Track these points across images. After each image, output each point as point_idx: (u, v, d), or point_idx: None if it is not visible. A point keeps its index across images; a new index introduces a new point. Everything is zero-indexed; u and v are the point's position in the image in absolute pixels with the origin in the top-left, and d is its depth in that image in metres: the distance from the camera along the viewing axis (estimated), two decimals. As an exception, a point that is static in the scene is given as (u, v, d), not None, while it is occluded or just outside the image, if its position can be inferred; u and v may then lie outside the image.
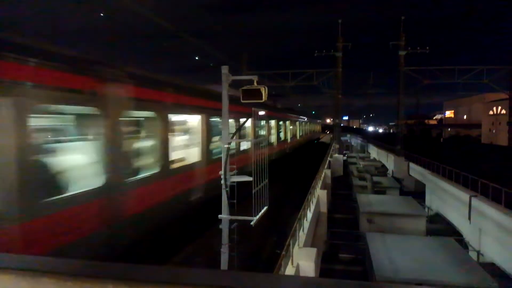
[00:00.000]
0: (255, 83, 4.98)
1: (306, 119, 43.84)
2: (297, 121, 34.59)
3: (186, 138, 10.47)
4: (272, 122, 22.46)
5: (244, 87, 4.98)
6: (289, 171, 24.26)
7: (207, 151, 10.68)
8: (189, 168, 9.81)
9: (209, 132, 10.91)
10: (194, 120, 10.51)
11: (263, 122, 19.57)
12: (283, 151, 25.40)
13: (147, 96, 8.02)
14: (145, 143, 8.42)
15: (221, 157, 4.98)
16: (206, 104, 10.52)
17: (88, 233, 6.06)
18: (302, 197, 13.58)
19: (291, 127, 29.94)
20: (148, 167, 8.18)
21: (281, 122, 25.41)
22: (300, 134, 36.82)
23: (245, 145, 14.30)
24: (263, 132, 19.46)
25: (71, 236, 5.70)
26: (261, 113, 16.67)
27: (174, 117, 9.34)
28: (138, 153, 8.14)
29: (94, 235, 6.15)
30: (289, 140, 28.22)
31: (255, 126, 16.84)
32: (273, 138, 22.46)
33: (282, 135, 25.65)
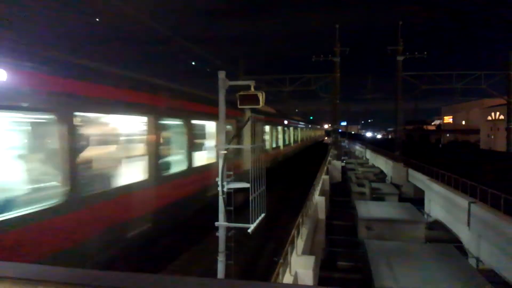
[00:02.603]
0: (252, 89, 4.90)
1: (318, 126, 77.83)
2: (314, 128, 63.33)
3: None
4: (298, 129, 36.49)
5: (241, 93, 4.89)
6: (302, 164, 31.53)
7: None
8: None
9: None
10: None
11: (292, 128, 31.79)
12: (302, 146, 39.80)
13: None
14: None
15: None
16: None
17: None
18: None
19: (311, 132, 56.53)
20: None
21: (307, 129, 48.68)
22: (314, 136, 65.03)
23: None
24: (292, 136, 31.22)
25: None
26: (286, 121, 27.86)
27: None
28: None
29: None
30: (306, 139, 46.65)
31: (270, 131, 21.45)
32: (298, 139, 36.16)
33: (304, 137, 43.62)
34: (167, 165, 8.52)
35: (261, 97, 4.86)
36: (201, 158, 10.21)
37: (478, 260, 15.91)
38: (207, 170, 10.01)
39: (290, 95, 38.23)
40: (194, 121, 9.83)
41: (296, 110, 76.53)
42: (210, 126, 11.00)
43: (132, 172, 7.21)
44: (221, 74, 4.88)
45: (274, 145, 22.24)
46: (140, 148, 7.57)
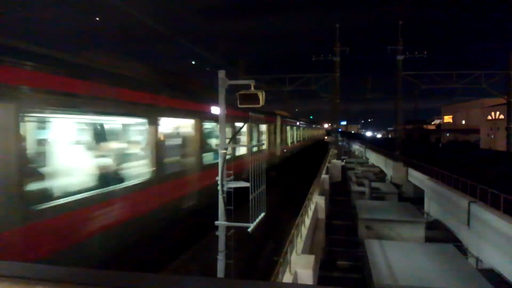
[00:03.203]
0: (252, 88, 4.90)
1: (320, 126, 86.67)
2: (316, 128, 69.75)
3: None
4: (306, 129, 43.07)
5: (241, 92, 4.89)
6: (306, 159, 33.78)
7: None
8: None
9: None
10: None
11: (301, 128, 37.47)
12: (307, 143, 45.36)
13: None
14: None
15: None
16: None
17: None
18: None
19: (314, 131, 63.11)
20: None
21: (311, 128, 54.65)
22: (316, 134, 72.20)
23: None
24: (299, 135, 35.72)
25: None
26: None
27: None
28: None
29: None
30: (310, 137, 52.73)
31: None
32: (305, 137, 42.43)
33: (309, 135, 49.60)
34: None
35: (261, 96, 4.86)
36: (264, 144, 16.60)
37: (478, 259, 15.91)
38: (262, 151, 14.99)
39: (290, 94, 38.20)
40: (265, 125, 16.62)
41: (296, 110, 76.78)
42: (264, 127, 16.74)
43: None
44: (221, 74, 4.87)
45: (290, 141, 28.25)
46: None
